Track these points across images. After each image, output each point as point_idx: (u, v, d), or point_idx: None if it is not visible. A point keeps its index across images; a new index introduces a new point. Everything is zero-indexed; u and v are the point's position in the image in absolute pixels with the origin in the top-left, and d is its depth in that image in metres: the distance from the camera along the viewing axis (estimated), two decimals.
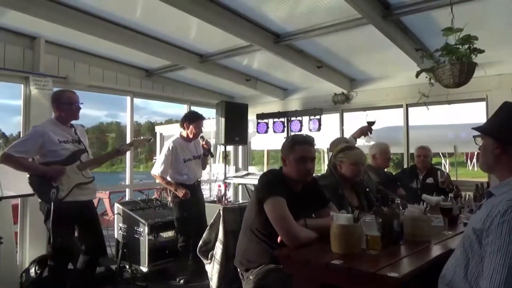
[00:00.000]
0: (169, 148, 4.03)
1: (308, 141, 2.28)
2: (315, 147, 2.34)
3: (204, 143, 4.15)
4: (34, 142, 2.85)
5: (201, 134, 4.16)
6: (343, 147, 2.81)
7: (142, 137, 3.50)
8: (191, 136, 4.08)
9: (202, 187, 4.52)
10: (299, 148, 2.23)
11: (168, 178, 4.05)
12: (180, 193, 3.95)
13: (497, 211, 1.15)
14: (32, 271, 3.63)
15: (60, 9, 3.35)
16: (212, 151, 4.38)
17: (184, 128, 4.09)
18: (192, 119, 4.07)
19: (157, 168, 4.05)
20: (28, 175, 2.89)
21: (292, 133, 5.57)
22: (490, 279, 1.09)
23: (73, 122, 3.13)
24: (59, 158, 2.90)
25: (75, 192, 2.92)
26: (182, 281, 3.93)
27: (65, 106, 3.00)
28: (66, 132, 3.02)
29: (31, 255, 3.88)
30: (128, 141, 5.02)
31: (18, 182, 3.26)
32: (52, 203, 2.74)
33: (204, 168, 4.41)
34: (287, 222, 2.05)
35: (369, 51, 4.17)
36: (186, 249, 3.96)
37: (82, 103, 3.08)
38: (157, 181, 4.17)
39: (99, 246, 3.15)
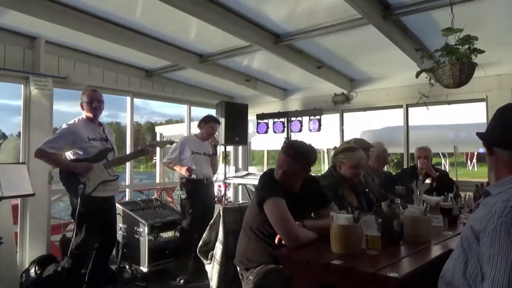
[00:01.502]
0: (179, 140, 4.37)
1: (283, 149, 2.29)
2: (293, 156, 2.23)
3: (211, 139, 4.43)
4: (66, 139, 3.08)
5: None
6: (344, 148, 2.77)
7: (164, 139, 3.66)
8: (205, 135, 4.39)
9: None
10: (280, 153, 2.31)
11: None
12: (184, 169, 4.13)
13: (494, 211, 1.16)
14: (32, 271, 3.63)
15: (60, 9, 3.35)
16: (216, 150, 4.56)
17: (200, 129, 4.44)
18: (206, 121, 4.41)
19: (166, 157, 4.37)
20: (58, 171, 3.10)
21: (292, 134, 5.57)
22: (493, 283, 1.09)
23: None
24: (88, 156, 3.10)
25: (100, 188, 3.12)
26: (182, 281, 3.93)
27: (85, 105, 3.21)
28: (95, 130, 3.24)
29: (31, 255, 3.88)
30: (128, 141, 5.05)
31: (18, 182, 3.28)
32: (79, 198, 2.94)
33: (214, 171, 4.56)
34: (287, 223, 2.05)
35: (369, 51, 4.17)
36: (187, 248, 3.97)
37: (103, 101, 3.30)
38: (169, 166, 4.39)
39: (113, 242, 3.37)
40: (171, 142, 3.77)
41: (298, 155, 2.24)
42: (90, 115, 3.22)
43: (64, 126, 3.17)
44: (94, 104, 3.21)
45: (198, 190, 4.17)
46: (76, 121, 3.21)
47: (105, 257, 3.30)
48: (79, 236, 3.03)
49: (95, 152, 3.15)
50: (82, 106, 3.24)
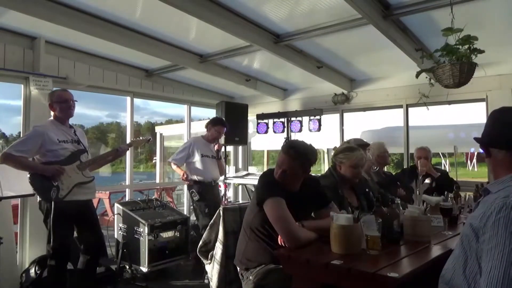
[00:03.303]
0: (188, 141, 4.43)
1: (283, 149, 2.28)
2: (293, 155, 2.21)
3: (216, 143, 4.45)
4: (34, 141, 2.87)
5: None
6: (344, 148, 2.78)
7: (141, 137, 3.55)
8: (210, 138, 4.40)
9: None
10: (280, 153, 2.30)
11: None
12: (184, 176, 4.21)
13: (493, 208, 1.17)
14: (32, 271, 3.63)
15: (60, 9, 3.35)
16: (220, 154, 4.56)
17: (207, 130, 4.43)
18: (214, 123, 4.42)
19: (172, 156, 4.38)
20: (28, 174, 2.91)
21: (292, 134, 5.57)
22: (489, 276, 1.10)
23: (71, 122, 3.17)
24: (58, 158, 2.92)
25: (75, 191, 2.94)
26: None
27: (57, 105, 3.03)
28: (66, 132, 3.05)
29: (31, 255, 3.88)
30: (128, 142, 5.03)
31: (18, 182, 3.26)
32: (52, 202, 2.77)
33: (221, 173, 4.61)
34: (287, 223, 2.04)
35: (369, 51, 4.17)
36: None
37: (76, 101, 3.11)
38: (173, 167, 4.43)
39: (99, 246, 3.17)
40: (148, 140, 3.70)
41: (298, 154, 2.22)
42: (63, 115, 3.04)
43: (32, 128, 3.02)
44: (69, 103, 3.03)
45: (207, 192, 4.25)
46: (44, 123, 3.05)
47: (93, 261, 3.14)
48: (55, 242, 2.83)
49: (66, 154, 2.96)
50: (52, 107, 3.03)
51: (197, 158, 4.26)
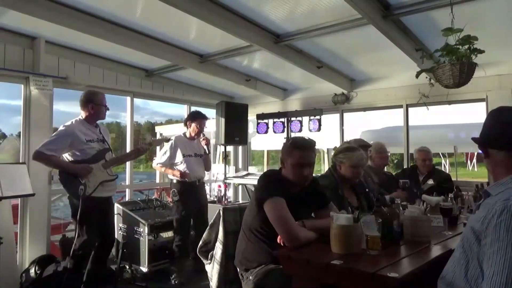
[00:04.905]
0: (170, 143, 4.14)
1: (307, 146, 2.23)
2: (316, 148, 2.30)
3: (202, 138, 4.19)
4: (64, 141, 3.05)
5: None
6: (344, 148, 2.78)
7: (160, 137, 3.62)
8: (193, 134, 4.18)
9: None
10: (298, 153, 2.20)
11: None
12: (177, 172, 4.03)
13: (494, 211, 1.16)
14: (32, 271, 3.63)
15: (60, 9, 3.35)
16: (209, 148, 4.34)
17: (187, 127, 4.21)
18: (193, 118, 4.20)
19: (156, 160, 4.21)
20: (58, 172, 3.10)
21: (292, 134, 5.57)
22: (491, 281, 1.09)
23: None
24: (86, 157, 3.09)
25: (100, 188, 3.11)
26: (176, 281, 3.90)
27: (98, 107, 3.21)
28: (92, 131, 3.22)
29: (31, 255, 3.88)
30: (128, 141, 5.04)
31: (18, 182, 3.27)
32: (80, 199, 2.94)
33: (207, 169, 4.45)
34: (287, 223, 2.05)
35: (369, 51, 4.17)
36: (182, 249, 3.97)
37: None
38: (160, 170, 4.32)
39: (112, 239, 3.39)
40: (167, 140, 3.74)
41: (313, 146, 2.27)
42: (99, 117, 3.26)
43: (61, 127, 3.14)
44: (105, 108, 3.27)
45: (190, 192, 4.06)
46: (73, 122, 3.17)
47: (104, 257, 3.31)
48: (82, 237, 3.03)
49: (93, 153, 3.13)
50: (88, 106, 3.17)
51: (179, 159, 4.06)
